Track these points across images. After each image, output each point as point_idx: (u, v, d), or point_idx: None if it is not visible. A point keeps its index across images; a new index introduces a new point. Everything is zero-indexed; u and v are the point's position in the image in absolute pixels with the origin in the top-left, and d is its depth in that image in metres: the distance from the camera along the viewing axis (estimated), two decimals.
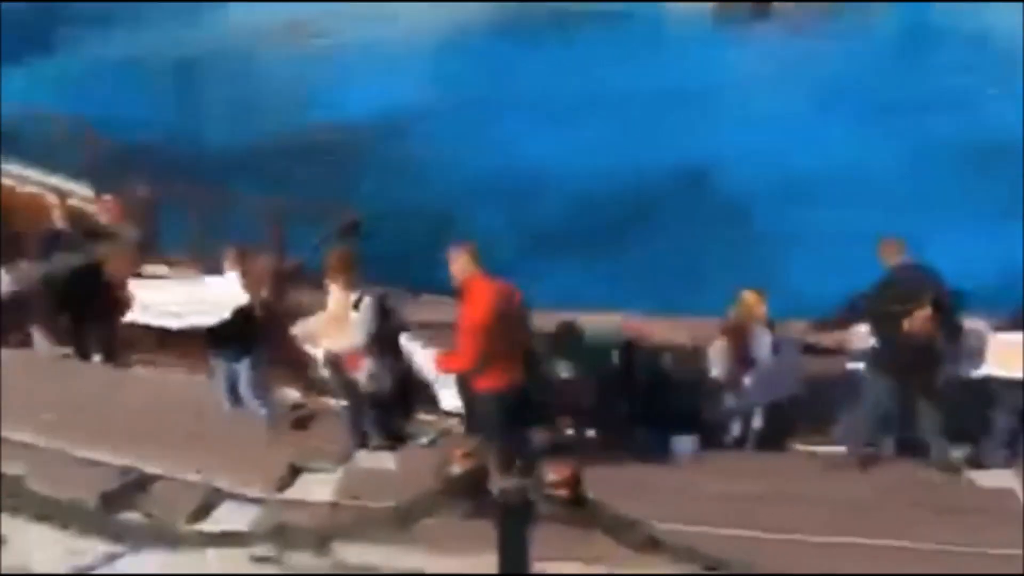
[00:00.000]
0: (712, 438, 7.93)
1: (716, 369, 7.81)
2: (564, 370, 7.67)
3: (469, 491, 3.35)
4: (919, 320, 6.89)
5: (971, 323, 7.27)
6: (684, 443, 7.71)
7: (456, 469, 3.32)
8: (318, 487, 7.00)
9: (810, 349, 8.19)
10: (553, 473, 3.27)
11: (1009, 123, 14.61)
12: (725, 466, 7.53)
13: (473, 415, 7.09)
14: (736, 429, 7.99)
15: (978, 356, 7.22)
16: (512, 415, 6.39)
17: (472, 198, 13.38)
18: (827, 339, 8.07)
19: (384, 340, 7.34)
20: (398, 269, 10.48)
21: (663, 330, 8.51)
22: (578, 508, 3.24)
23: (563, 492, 3.23)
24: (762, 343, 7.76)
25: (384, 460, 7.37)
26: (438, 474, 3.33)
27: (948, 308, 7.02)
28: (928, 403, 7.21)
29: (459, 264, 6.49)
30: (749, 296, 7.77)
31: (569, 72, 16.88)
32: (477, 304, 6.28)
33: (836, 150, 14.25)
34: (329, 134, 15.57)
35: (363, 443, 7.51)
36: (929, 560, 5.88)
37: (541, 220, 13.09)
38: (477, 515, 3.39)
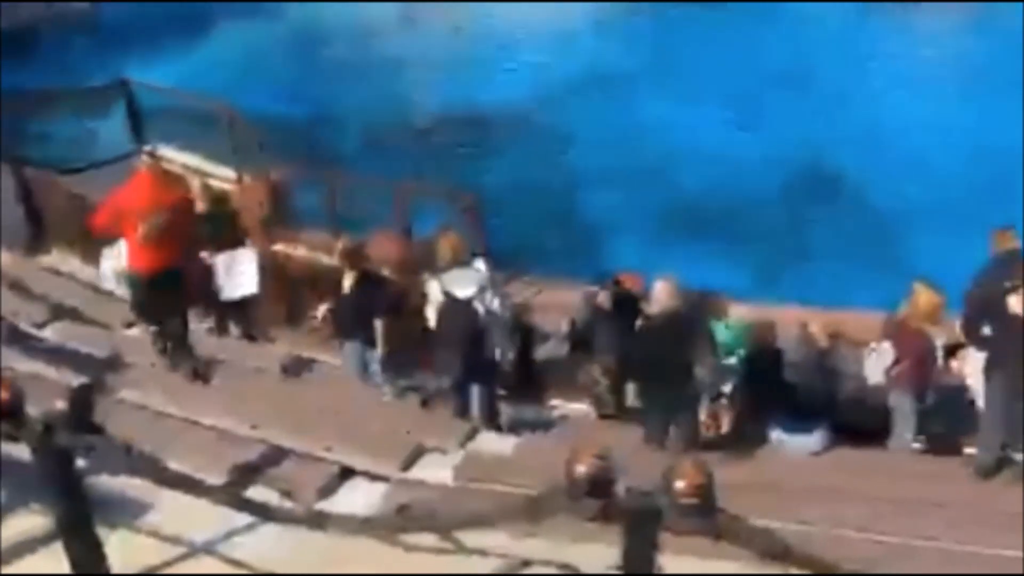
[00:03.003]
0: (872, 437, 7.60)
1: (876, 377, 7.37)
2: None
3: (595, 493, 3.27)
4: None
5: None
6: (808, 439, 7.42)
7: (583, 469, 3.23)
8: (438, 468, 7.10)
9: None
10: (682, 479, 3.15)
11: None
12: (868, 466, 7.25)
13: None
14: (908, 431, 7.52)
15: None
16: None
17: (600, 179, 13.27)
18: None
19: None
20: (523, 250, 10.62)
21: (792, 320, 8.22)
22: (707, 516, 3.13)
23: (693, 500, 3.11)
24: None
25: (503, 444, 7.40)
26: (565, 472, 3.24)
27: None
28: None
29: None
30: (923, 289, 7.23)
31: (703, 51, 16.48)
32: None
33: (975, 131, 13.47)
34: (466, 114, 15.68)
35: (493, 425, 7.59)
36: None
37: (669, 202, 12.86)
38: (603, 518, 3.30)
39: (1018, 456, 7.08)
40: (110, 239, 8.51)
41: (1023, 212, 9.17)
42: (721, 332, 7.34)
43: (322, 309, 8.31)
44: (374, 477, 6.87)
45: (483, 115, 15.68)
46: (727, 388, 7.48)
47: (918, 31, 17.17)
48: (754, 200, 12.59)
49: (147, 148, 9.01)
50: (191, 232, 8.01)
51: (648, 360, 7.03)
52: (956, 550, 5.94)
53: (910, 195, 12.33)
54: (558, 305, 8.77)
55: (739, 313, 7.93)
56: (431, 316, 7.52)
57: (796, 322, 8.23)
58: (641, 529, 3.20)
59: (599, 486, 3.27)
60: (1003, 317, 6.71)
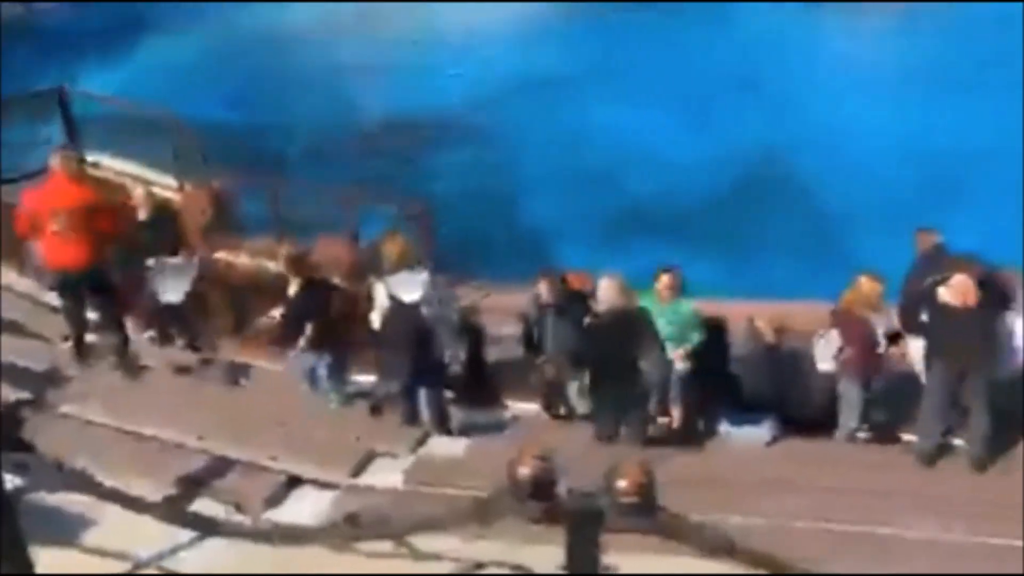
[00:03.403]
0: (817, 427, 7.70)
1: (824, 363, 7.49)
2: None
3: (538, 495, 3.25)
4: (956, 286, 6.71)
5: None
6: (757, 430, 7.50)
7: (525, 471, 3.21)
8: (389, 473, 7.05)
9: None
10: (623, 479, 3.14)
11: None
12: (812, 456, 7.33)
13: None
14: (853, 420, 7.65)
15: None
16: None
17: (548, 182, 13.31)
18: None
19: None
20: (471, 254, 10.60)
21: (741, 314, 8.29)
22: (648, 515, 3.13)
23: (634, 499, 3.11)
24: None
25: (455, 447, 7.38)
26: (508, 475, 3.22)
27: (990, 282, 6.89)
28: (978, 390, 6.92)
29: None
30: (866, 280, 7.43)
31: (650, 54, 16.61)
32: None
33: (919, 130, 13.75)
34: (408, 121, 15.63)
35: (443, 428, 7.56)
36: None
37: (617, 203, 12.94)
38: (546, 520, 3.28)
39: (958, 442, 7.23)
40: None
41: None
42: (667, 319, 7.33)
43: (275, 313, 8.23)
44: (323, 485, 6.80)
45: (429, 120, 15.65)
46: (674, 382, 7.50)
47: (861, 32, 17.48)
48: (700, 201, 12.72)
49: (62, 147, 8.86)
50: (111, 231, 7.85)
51: (596, 357, 7.05)
52: (903, 537, 6.05)
53: (853, 194, 12.53)
54: (508, 308, 8.74)
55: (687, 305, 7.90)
56: (376, 321, 7.46)
57: (744, 317, 8.31)
58: (583, 529, 3.19)
59: (541, 488, 3.25)
60: (936, 308, 6.92)
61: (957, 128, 13.82)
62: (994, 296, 6.98)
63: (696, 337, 7.53)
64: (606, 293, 7.06)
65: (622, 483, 3.18)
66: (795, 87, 15.54)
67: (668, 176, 13.31)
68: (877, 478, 6.91)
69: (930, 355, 7.06)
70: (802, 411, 7.96)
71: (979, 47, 16.05)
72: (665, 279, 7.50)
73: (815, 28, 17.66)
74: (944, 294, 6.86)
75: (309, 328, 7.63)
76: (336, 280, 8.09)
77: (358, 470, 7.08)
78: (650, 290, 7.50)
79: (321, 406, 7.90)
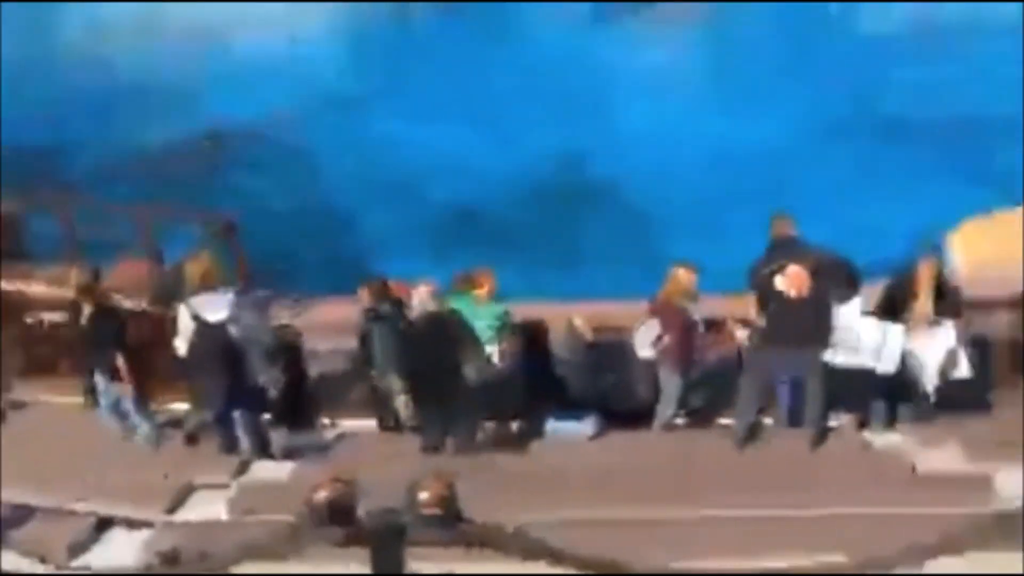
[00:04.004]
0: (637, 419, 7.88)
1: (644, 350, 7.69)
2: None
3: (337, 519, 3.14)
4: (791, 276, 7.04)
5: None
6: (580, 426, 7.64)
7: (322, 496, 3.09)
8: (211, 505, 6.75)
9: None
10: (424, 492, 3.08)
11: (895, 101, 14.95)
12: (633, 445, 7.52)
13: None
14: (671, 408, 7.86)
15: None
16: None
17: (359, 196, 13.15)
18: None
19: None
20: (288, 271, 10.30)
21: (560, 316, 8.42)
22: (451, 526, 3.08)
23: (436, 511, 3.05)
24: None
25: (279, 472, 7.13)
26: (305, 501, 3.09)
27: (829, 274, 7.22)
28: (812, 374, 7.30)
29: None
30: (681, 271, 7.67)
31: (450, 67, 16.70)
32: None
33: (719, 133, 14.44)
34: (214, 137, 15.05)
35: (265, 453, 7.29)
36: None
37: (432, 213, 12.90)
38: (350, 542, 3.18)
39: (768, 420, 7.59)
40: None
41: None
42: (485, 321, 7.34)
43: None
44: (136, 524, 6.44)
45: (237, 136, 15.12)
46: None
47: (662, 39, 18.13)
48: (513, 208, 12.82)
49: None
50: None
51: (416, 365, 6.98)
52: (719, 517, 6.29)
53: (661, 197, 12.84)
54: (330, 322, 8.54)
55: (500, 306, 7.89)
56: (181, 346, 7.09)
57: (563, 319, 8.45)
58: (387, 547, 3.11)
59: (341, 512, 3.15)
60: (772, 295, 7.23)
61: (756, 131, 14.53)
62: (832, 284, 7.25)
63: (509, 337, 7.53)
64: (419, 300, 7.01)
65: (423, 496, 3.14)
66: (599, 94, 15.98)
67: (479, 185, 13.38)
68: (693, 462, 7.17)
69: (763, 339, 7.32)
70: (625, 403, 8.16)
71: (776, 52, 17.01)
72: (480, 280, 7.50)
73: (618, 35, 18.23)
74: (780, 282, 7.16)
75: (107, 358, 7.19)
76: (138, 304, 7.60)
77: (176, 505, 6.75)
78: (466, 293, 7.48)
79: (129, 439, 7.46)
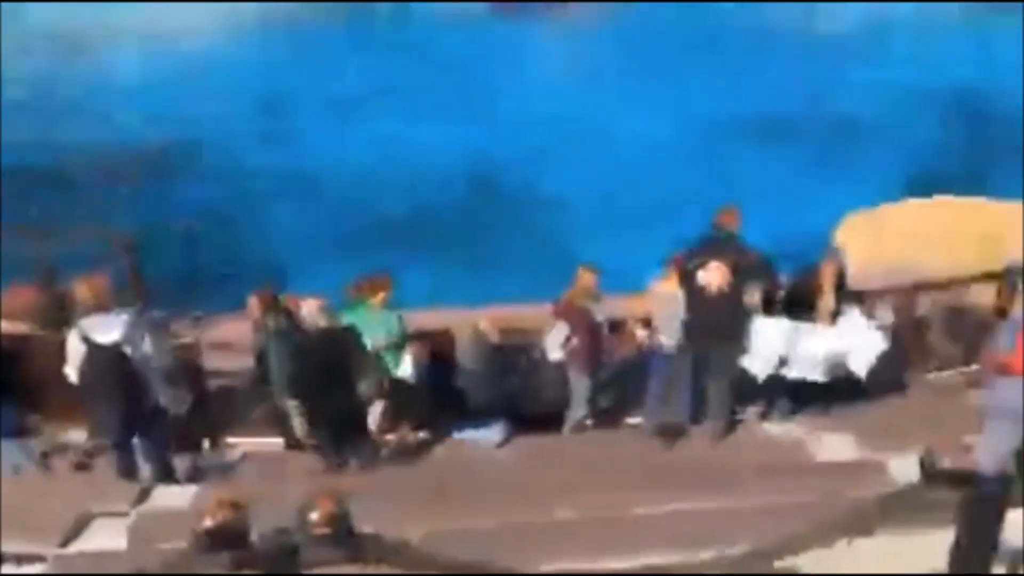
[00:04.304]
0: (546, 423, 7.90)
1: (555, 353, 7.69)
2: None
3: (228, 544, 3.08)
4: (711, 272, 7.18)
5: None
6: (488, 433, 7.64)
7: (209, 523, 3.03)
8: (109, 534, 6.52)
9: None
10: (315, 511, 3.05)
11: (787, 100, 15.37)
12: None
13: None
14: (581, 409, 7.91)
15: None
16: None
17: (265, 204, 12.91)
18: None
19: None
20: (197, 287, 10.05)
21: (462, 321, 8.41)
22: (341, 544, 3.05)
23: (326, 530, 3.02)
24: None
25: (183, 497, 6.93)
26: (192, 528, 3.03)
27: (750, 272, 7.38)
28: (724, 369, 7.45)
29: None
30: (584, 272, 7.72)
31: (348, 70, 16.56)
32: None
33: (628, 136, 14.63)
34: (107, 151, 14.58)
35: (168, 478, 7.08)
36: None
37: (335, 221, 12.76)
38: (243, 566, 3.12)
39: (681, 417, 7.70)
40: None
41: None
42: (384, 329, 7.27)
43: None
44: (27, 559, 6.17)
45: (149, 150, 14.70)
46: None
47: (555, 36, 18.32)
48: (424, 213, 12.79)
49: None
50: None
51: (309, 383, 6.87)
52: (631, 516, 6.37)
53: (567, 195, 13.00)
54: (233, 340, 8.33)
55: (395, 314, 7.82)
56: (72, 371, 6.83)
57: (471, 323, 8.43)
58: (280, 569, 3.06)
59: (232, 536, 3.09)
60: (694, 291, 7.33)
61: (663, 130, 14.75)
62: (754, 284, 7.40)
63: (404, 344, 7.48)
64: (310, 314, 6.91)
65: (314, 516, 3.10)
66: (504, 94, 16.05)
67: (391, 190, 13.33)
68: (605, 462, 7.25)
69: (683, 334, 7.42)
70: (535, 407, 8.19)
71: (679, 52, 17.29)
72: (375, 286, 7.41)
73: (524, 35, 18.34)
74: (702, 277, 7.29)
75: None
76: (25, 327, 7.28)
77: (71, 536, 6.49)
78: (361, 303, 7.39)
79: (12, 469, 7.15)
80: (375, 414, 7.31)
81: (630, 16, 18.61)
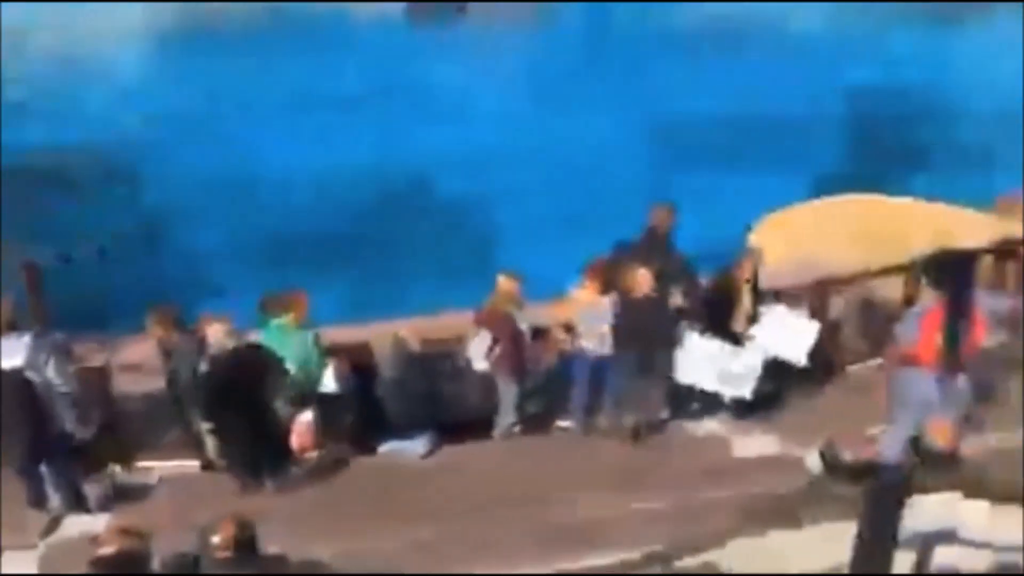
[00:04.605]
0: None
1: (479, 362, 7.65)
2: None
3: (127, 568, 2.97)
4: (636, 276, 7.27)
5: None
6: (413, 444, 7.57)
7: (107, 551, 2.92)
8: (20, 566, 6.27)
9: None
10: (217, 534, 2.96)
11: (693, 102, 15.62)
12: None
13: None
14: (509, 416, 7.89)
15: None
16: None
17: (180, 219, 12.62)
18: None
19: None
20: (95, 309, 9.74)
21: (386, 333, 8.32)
22: (245, 566, 2.97)
23: (228, 553, 2.94)
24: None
25: (96, 524, 6.68)
26: (89, 557, 2.91)
27: (675, 277, 7.47)
28: (659, 371, 7.53)
29: None
30: (505, 280, 7.68)
31: (263, 79, 16.30)
32: None
33: (549, 140, 14.68)
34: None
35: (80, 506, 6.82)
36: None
37: (237, 236, 12.50)
38: None
39: (629, 419, 7.73)
40: None
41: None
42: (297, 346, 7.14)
43: None
44: None
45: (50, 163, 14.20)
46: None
47: (472, 36, 18.29)
48: (343, 225, 12.65)
49: None
50: None
51: (218, 405, 6.71)
52: (561, 519, 6.36)
53: (494, 207, 12.98)
54: (144, 362, 8.09)
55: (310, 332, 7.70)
56: None
57: (391, 334, 8.34)
58: None
59: (131, 562, 2.98)
60: (621, 294, 7.39)
61: (580, 130, 14.84)
62: (676, 288, 7.47)
63: (320, 361, 7.37)
64: (215, 337, 6.75)
65: (215, 539, 3.01)
66: (430, 104, 15.97)
67: (306, 201, 13.15)
68: (530, 469, 7.24)
69: (613, 338, 7.48)
70: (462, 415, 8.14)
71: (599, 57, 17.43)
72: (289, 303, 7.28)
73: (441, 42, 18.30)
74: (627, 282, 7.33)
75: None
76: None
77: None
78: (275, 321, 7.25)
79: None
80: (301, 430, 7.16)
81: (558, 18, 18.72)
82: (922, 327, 6.06)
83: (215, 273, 11.31)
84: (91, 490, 7.02)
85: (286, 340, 7.01)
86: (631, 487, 6.76)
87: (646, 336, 7.40)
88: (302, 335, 7.17)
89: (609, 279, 7.57)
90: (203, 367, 6.81)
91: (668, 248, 7.65)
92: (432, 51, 17.70)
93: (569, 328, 8.03)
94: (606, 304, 7.55)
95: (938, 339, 5.97)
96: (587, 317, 7.63)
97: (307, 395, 7.02)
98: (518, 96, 16.39)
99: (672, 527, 5.83)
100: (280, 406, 6.72)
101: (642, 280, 7.31)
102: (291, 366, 6.84)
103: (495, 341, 7.66)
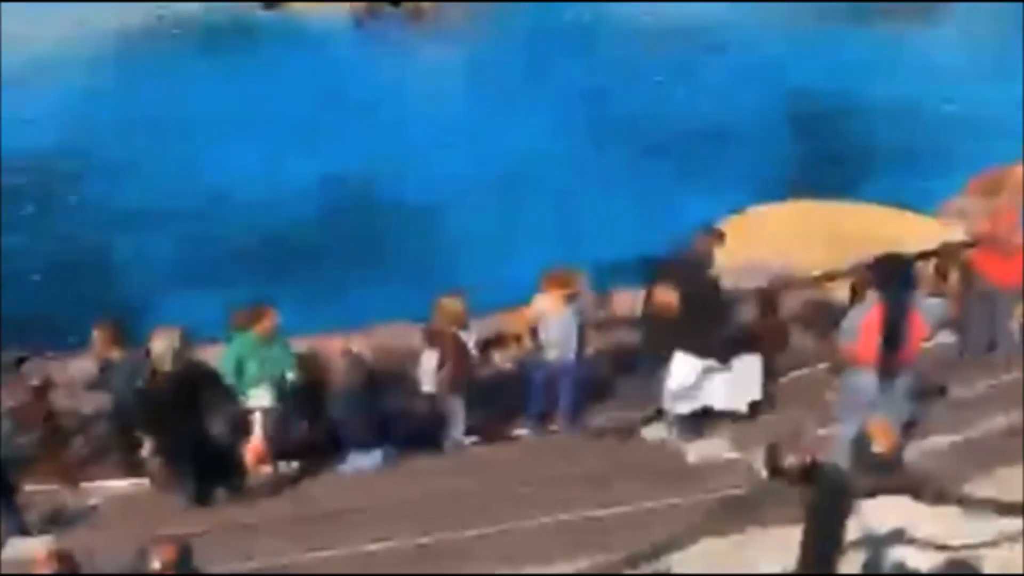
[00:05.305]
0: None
1: (428, 385, 7.60)
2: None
3: None
4: (659, 296, 7.23)
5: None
6: (367, 458, 7.50)
7: (42, 572, 2.84)
8: None
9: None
10: (156, 559, 2.89)
11: (640, 106, 15.67)
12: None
13: None
14: (458, 429, 7.86)
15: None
16: None
17: (131, 231, 12.38)
18: None
19: None
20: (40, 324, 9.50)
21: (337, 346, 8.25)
22: None
23: (164, 573, 2.87)
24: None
25: (37, 546, 6.50)
26: None
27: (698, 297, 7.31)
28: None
29: None
30: (448, 301, 7.64)
31: (213, 88, 16.06)
32: None
33: (496, 147, 14.63)
34: None
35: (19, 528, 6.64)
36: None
37: (183, 252, 12.28)
38: None
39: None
40: None
41: None
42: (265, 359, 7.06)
43: None
44: None
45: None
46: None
47: (416, 46, 18.15)
48: (295, 234, 12.47)
49: None
50: None
51: (160, 422, 6.58)
52: (521, 528, 6.33)
53: (451, 216, 12.88)
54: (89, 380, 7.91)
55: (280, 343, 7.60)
56: None
57: (343, 347, 8.26)
58: None
59: None
60: (645, 310, 7.37)
61: (537, 146, 14.80)
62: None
63: (291, 374, 7.32)
64: (158, 350, 6.63)
65: (156, 565, 2.94)
66: (381, 111, 15.83)
67: (253, 215, 12.94)
68: (481, 479, 7.20)
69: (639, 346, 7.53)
70: (416, 428, 8.11)
71: (549, 60, 17.38)
72: (260, 317, 7.21)
73: (390, 49, 18.15)
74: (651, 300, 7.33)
75: None
76: None
77: None
78: (247, 331, 7.17)
79: None
80: (255, 444, 7.07)
81: (499, 22, 18.68)
82: (863, 327, 6.12)
83: (160, 287, 11.09)
84: (35, 512, 6.85)
85: (260, 351, 7.00)
86: (578, 493, 6.74)
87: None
88: (274, 346, 7.15)
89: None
90: (139, 383, 6.68)
91: (702, 274, 7.40)
92: (379, 58, 17.57)
93: (519, 338, 8.04)
94: (567, 313, 7.55)
95: (878, 339, 6.03)
96: (548, 325, 7.60)
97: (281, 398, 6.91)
98: (464, 104, 16.31)
99: (620, 534, 5.82)
100: (217, 422, 6.62)
101: (667, 300, 7.18)
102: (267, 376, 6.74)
103: (442, 359, 7.63)
